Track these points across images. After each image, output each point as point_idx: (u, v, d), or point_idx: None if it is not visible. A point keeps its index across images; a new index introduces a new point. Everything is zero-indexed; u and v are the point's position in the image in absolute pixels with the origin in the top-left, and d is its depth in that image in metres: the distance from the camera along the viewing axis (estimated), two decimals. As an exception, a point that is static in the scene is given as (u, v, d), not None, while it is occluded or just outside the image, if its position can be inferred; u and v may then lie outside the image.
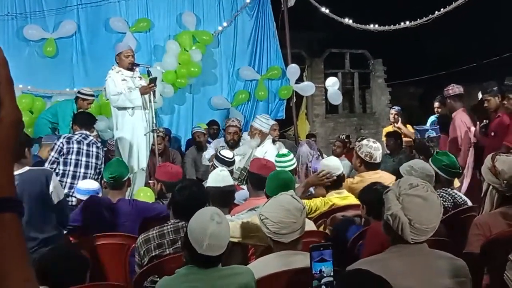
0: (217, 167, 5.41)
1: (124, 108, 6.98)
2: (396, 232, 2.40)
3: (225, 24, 10.32)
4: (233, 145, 7.37)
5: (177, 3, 10.12)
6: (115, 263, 4.08)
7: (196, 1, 10.22)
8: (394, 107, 10.72)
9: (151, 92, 6.94)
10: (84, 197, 5.03)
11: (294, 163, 5.33)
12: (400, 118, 10.16)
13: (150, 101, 6.99)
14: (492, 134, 6.65)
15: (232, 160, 5.81)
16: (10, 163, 1.02)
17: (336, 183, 4.84)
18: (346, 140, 10.86)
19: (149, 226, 3.76)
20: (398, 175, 4.24)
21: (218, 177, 4.39)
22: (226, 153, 5.85)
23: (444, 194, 4.28)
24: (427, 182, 2.56)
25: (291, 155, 5.34)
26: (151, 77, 7.00)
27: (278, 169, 5.08)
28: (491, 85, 6.81)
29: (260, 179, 4.51)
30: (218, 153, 5.85)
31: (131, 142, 6.99)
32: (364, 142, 5.43)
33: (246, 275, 2.77)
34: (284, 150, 5.41)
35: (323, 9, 10.30)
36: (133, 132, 7.01)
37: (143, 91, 6.86)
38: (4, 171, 1.01)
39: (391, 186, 2.51)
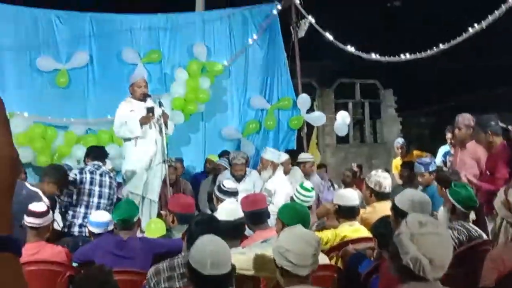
0: (220, 198, 5.38)
1: (130, 139, 7.02)
2: (414, 273, 2.36)
3: (235, 54, 10.39)
4: (240, 178, 7.44)
5: (188, 34, 10.22)
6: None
7: (207, 32, 10.32)
8: (399, 140, 10.70)
9: (163, 124, 6.96)
10: (95, 229, 5.01)
11: (312, 201, 5.32)
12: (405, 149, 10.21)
13: (161, 131, 7.00)
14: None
15: (235, 191, 5.74)
16: (7, 202, 1.02)
17: (350, 214, 4.82)
18: (356, 170, 10.84)
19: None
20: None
21: (228, 211, 4.37)
22: (228, 184, 5.76)
23: (459, 227, 4.23)
24: (430, 216, 2.55)
25: (313, 192, 5.32)
26: (147, 107, 6.98)
27: (296, 200, 5.08)
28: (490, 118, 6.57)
29: (257, 214, 4.56)
30: (221, 185, 5.76)
31: (134, 172, 6.98)
32: (373, 172, 5.55)
33: None
34: (309, 184, 5.38)
35: (333, 39, 10.35)
36: (137, 162, 7.01)
37: (142, 121, 6.89)
38: (3, 210, 1.00)
39: (400, 228, 2.47)
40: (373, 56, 9.93)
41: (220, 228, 3.66)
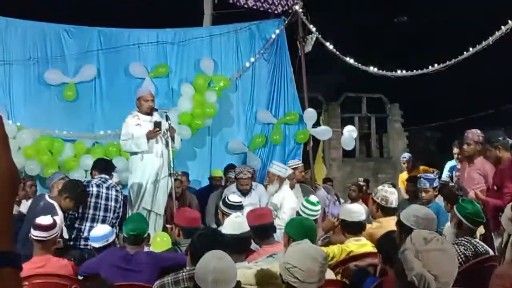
0: (226, 212, 5.35)
1: (136, 153, 7.03)
2: None
3: (242, 69, 10.43)
4: (245, 192, 7.46)
5: (195, 49, 10.26)
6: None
7: (214, 47, 10.36)
8: (405, 155, 10.73)
9: (170, 138, 6.98)
10: (95, 244, 5.01)
11: (318, 215, 5.32)
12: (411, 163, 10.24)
13: (168, 145, 7.01)
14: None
15: (240, 204, 5.70)
16: (7, 218, 1.03)
17: (356, 229, 4.80)
18: (362, 184, 10.82)
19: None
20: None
21: (235, 224, 4.35)
22: (233, 197, 5.70)
23: (466, 243, 4.21)
24: (435, 232, 2.54)
25: (319, 206, 5.32)
26: (155, 121, 7.01)
27: (302, 214, 5.08)
28: (498, 134, 6.56)
29: (264, 228, 4.55)
30: (226, 199, 5.73)
31: (140, 185, 6.99)
32: (380, 187, 5.58)
33: None
34: (315, 199, 5.38)
35: (340, 54, 10.37)
36: (143, 176, 7.02)
37: (149, 135, 6.91)
38: (1, 226, 1.01)
39: (405, 244, 2.46)
40: (380, 71, 9.94)
41: (224, 242, 3.65)
